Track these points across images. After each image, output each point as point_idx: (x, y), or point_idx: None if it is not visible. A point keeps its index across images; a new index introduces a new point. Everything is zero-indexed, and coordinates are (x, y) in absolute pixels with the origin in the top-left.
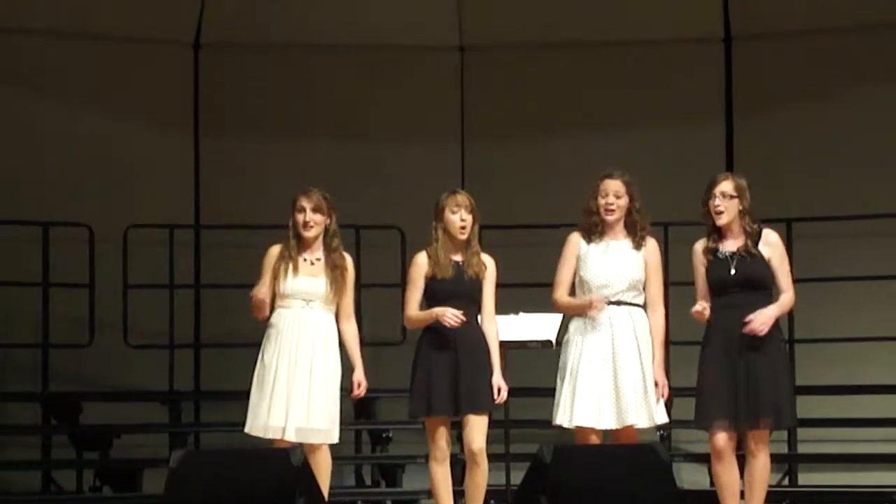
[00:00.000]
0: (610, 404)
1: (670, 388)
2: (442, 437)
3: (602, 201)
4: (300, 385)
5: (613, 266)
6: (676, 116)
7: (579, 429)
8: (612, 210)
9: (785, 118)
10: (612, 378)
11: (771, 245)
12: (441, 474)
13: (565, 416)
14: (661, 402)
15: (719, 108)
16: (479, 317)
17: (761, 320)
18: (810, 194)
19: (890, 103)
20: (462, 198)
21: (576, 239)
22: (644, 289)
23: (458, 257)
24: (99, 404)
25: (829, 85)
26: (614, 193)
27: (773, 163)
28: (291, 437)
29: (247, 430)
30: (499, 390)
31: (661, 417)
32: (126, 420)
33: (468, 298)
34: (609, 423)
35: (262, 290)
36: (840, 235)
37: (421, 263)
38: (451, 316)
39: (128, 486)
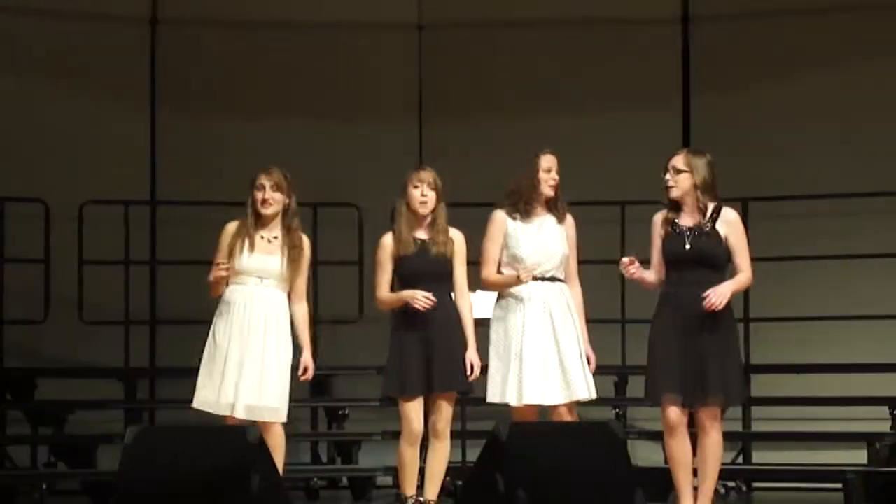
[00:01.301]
0: (556, 381)
1: (625, 365)
2: (416, 418)
3: (547, 176)
4: (252, 363)
5: (546, 244)
6: (634, 96)
7: (524, 407)
8: (554, 186)
9: (742, 98)
10: (556, 355)
11: (729, 223)
12: (410, 456)
13: (513, 394)
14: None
15: (677, 87)
16: (452, 293)
17: (718, 293)
18: (766, 174)
19: (846, 84)
20: (425, 174)
21: (501, 216)
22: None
23: (423, 235)
24: (54, 380)
25: (786, 66)
26: (556, 169)
27: (729, 142)
28: (241, 414)
29: (194, 404)
30: (472, 367)
31: (594, 391)
32: (81, 396)
33: (436, 276)
34: (555, 398)
35: (223, 269)
36: (795, 215)
37: (386, 244)
38: (420, 299)
39: (82, 461)
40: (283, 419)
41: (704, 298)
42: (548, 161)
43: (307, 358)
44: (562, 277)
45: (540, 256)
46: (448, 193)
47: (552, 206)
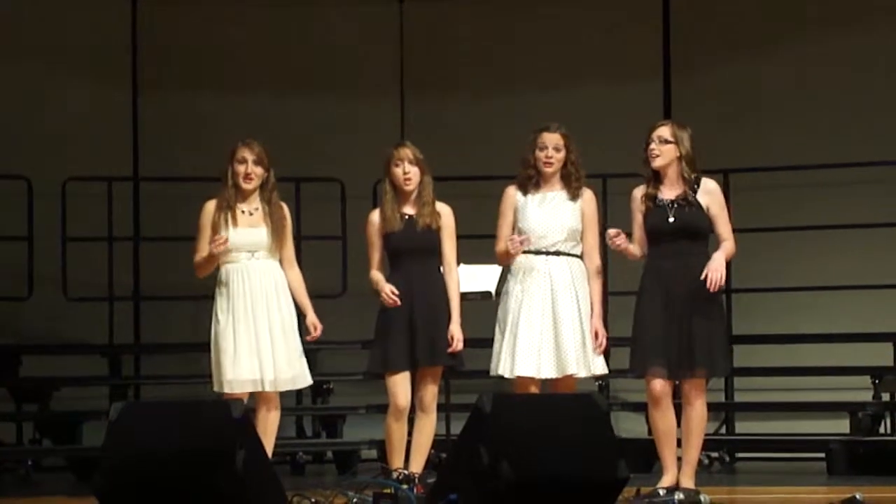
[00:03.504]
0: (550, 354)
1: (609, 337)
2: (401, 393)
3: (540, 154)
4: (263, 336)
5: (551, 216)
6: (615, 69)
7: (519, 379)
8: (551, 163)
9: (722, 71)
10: (552, 328)
11: (710, 193)
12: (397, 431)
13: (506, 366)
14: (599, 351)
15: (658, 60)
16: (441, 267)
17: (715, 269)
18: (747, 146)
19: (824, 57)
20: (405, 150)
21: (512, 192)
22: (581, 239)
23: (409, 210)
24: (38, 357)
25: (766, 38)
26: (553, 147)
27: (710, 115)
28: (269, 388)
29: (216, 388)
30: (454, 340)
31: (599, 367)
32: (66, 373)
33: (423, 251)
34: (549, 372)
35: (221, 243)
36: (777, 186)
37: (374, 221)
38: (385, 296)
39: (68, 438)
40: (309, 382)
41: (694, 274)
42: (544, 139)
43: (313, 318)
44: (570, 251)
45: (543, 229)
46: (429, 168)
47: (566, 181)
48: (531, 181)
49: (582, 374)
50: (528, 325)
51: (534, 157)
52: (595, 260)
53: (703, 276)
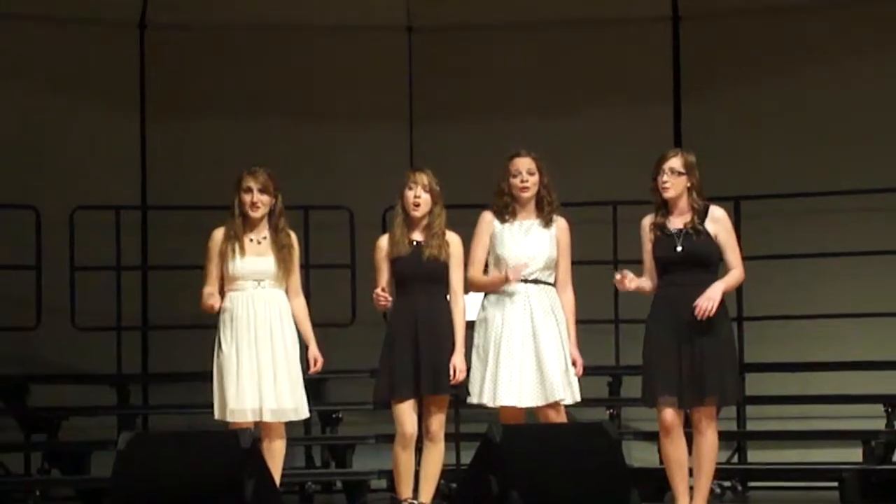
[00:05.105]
0: (532, 383)
1: (619, 365)
2: (408, 421)
3: (515, 181)
4: (266, 366)
5: (532, 245)
6: (624, 96)
7: (504, 409)
8: (527, 187)
9: (732, 97)
10: (534, 356)
11: (717, 221)
12: (404, 459)
13: (488, 395)
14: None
15: (667, 86)
16: (448, 295)
17: (707, 299)
18: (758, 172)
19: (836, 82)
20: (420, 175)
21: (489, 217)
22: (555, 268)
23: (419, 237)
24: (47, 387)
25: (777, 63)
26: (527, 171)
27: (720, 141)
28: (269, 418)
29: (217, 416)
30: (455, 371)
31: (578, 394)
32: (74, 402)
33: (429, 279)
34: (531, 401)
35: (215, 297)
36: (788, 213)
37: (381, 246)
38: (376, 294)
39: (76, 468)
40: (306, 415)
41: (696, 305)
42: (517, 164)
43: (315, 351)
44: (547, 280)
45: (523, 258)
46: (443, 199)
47: (539, 206)
48: (507, 209)
49: (568, 400)
50: (508, 355)
51: (508, 185)
52: (568, 289)
53: (694, 304)
